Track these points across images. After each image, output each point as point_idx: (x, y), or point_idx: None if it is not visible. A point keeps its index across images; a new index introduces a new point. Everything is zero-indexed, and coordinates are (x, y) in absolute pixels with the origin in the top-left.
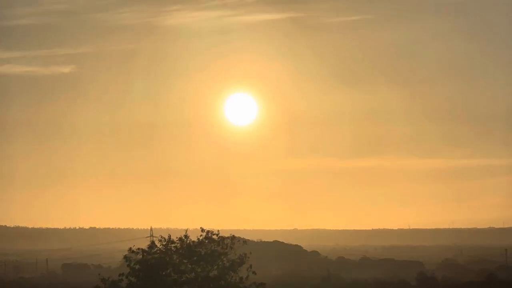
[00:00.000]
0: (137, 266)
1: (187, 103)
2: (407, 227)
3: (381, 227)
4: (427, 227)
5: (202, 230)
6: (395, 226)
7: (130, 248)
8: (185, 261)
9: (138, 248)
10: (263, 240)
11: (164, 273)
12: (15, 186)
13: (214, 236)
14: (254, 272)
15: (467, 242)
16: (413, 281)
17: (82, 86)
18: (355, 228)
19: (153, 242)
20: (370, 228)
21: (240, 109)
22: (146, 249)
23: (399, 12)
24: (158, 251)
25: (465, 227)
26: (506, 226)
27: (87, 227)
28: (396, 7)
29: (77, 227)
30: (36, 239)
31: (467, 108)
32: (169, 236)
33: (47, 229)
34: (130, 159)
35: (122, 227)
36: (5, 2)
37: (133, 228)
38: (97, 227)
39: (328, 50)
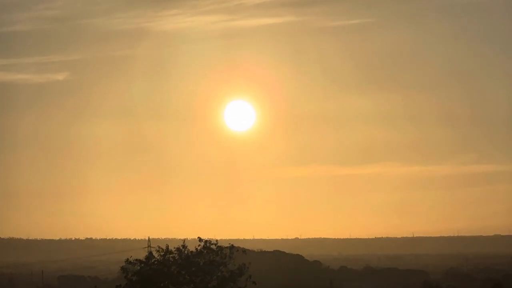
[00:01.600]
0: (134, 278)
1: (185, 109)
2: (411, 236)
3: (385, 236)
4: (432, 235)
5: (200, 240)
6: (398, 235)
7: (127, 259)
8: (183, 272)
9: (136, 259)
10: (263, 249)
11: (162, 284)
12: (8, 196)
13: (213, 246)
14: (254, 283)
15: (472, 250)
16: None
17: (76, 93)
18: (358, 237)
19: (150, 253)
20: (373, 237)
21: (240, 115)
22: (144, 260)
23: (400, 16)
24: (155, 262)
25: (470, 234)
26: None
27: (83, 238)
28: (397, 10)
29: (73, 238)
30: (31, 251)
31: (472, 113)
32: (167, 247)
33: (42, 240)
34: (126, 168)
35: (119, 238)
36: None
37: (130, 239)
38: (93, 238)
39: (328, 54)
